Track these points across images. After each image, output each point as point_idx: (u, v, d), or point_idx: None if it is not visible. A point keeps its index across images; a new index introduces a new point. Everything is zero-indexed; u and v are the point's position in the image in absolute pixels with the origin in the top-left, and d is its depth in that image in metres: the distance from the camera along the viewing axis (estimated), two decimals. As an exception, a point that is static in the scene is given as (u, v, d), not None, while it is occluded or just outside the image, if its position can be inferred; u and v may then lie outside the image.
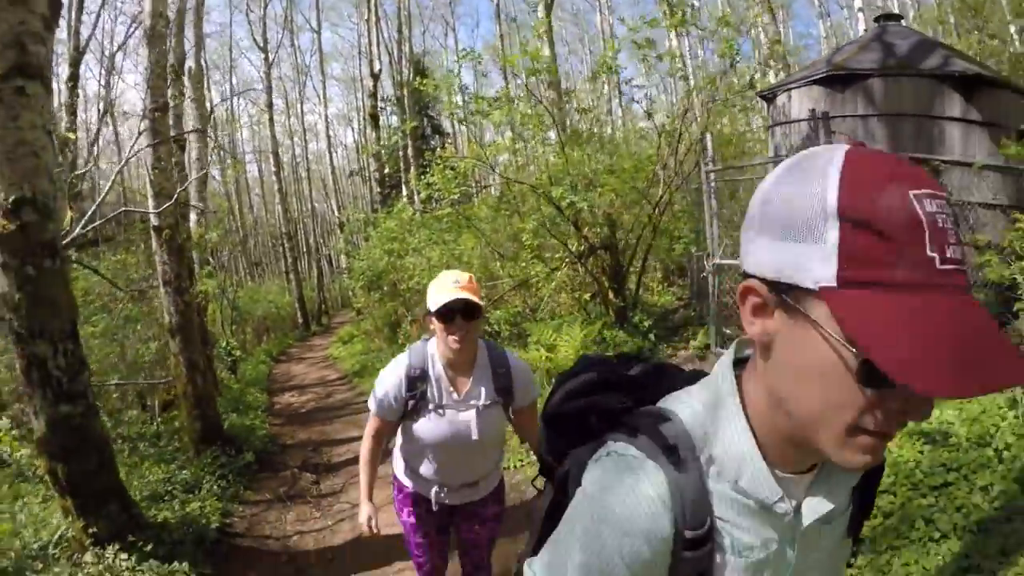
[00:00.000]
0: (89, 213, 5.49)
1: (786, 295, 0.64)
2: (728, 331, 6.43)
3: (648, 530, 0.71)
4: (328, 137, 32.50)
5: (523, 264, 8.39)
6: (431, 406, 2.30)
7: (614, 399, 0.89)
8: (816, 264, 0.60)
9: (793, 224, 0.62)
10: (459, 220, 9.40)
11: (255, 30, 26.86)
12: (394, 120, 27.80)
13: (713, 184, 6.35)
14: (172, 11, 7.70)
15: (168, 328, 6.16)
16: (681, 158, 6.92)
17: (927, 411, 0.62)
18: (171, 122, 6.77)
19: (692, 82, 9.58)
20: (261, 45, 26.16)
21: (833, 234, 0.59)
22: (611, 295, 7.03)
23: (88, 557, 3.83)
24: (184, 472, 5.53)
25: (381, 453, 2.46)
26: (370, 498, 2.42)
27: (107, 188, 5.89)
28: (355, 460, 4.38)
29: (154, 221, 5.88)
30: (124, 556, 3.85)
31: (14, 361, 4.11)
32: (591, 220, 7.00)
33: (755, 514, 0.74)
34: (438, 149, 8.56)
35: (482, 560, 2.67)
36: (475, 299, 2.21)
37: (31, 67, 3.79)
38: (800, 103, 7.34)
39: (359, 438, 2.52)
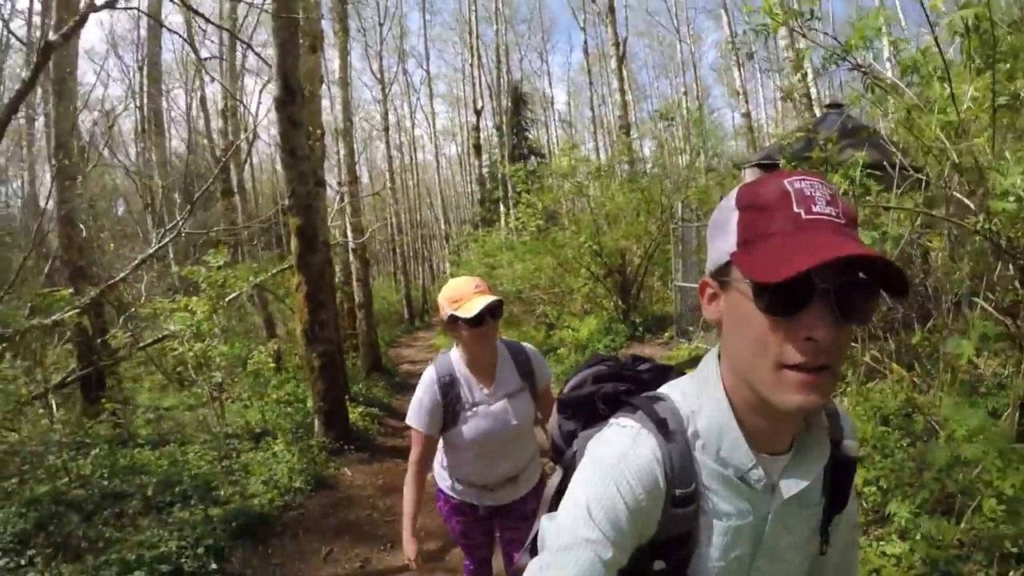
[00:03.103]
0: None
1: (720, 277, 0.84)
2: (690, 328, 10.19)
3: (644, 479, 0.82)
4: (436, 159, 34.69)
5: (575, 278, 12.19)
6: (467, 406, 2.35)
7: (619, 387, 1.04)
8: (728, 243, 0.82)
9: (717, 227, 0.85)
10: (536, 245, 12.98)
11: (372, 63, 29.21)
12: (495, 138, 30.66)
13: (680, 234, 10.19)
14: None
15: (358, 304, 10.78)
16: (665, 217, 10.83)
17: (823, 331, 0.74)
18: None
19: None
20: (378, 77, 28.67)
21: (735, 220, 0.82)
22: (619, 302, 11.00)
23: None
24: (359, 385, 9.91)
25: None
26: (414, 532, 2.35)
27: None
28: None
29: (352, 245, 10.50)
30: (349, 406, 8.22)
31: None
32: (608, 252, 11.02)
33: (732, 485, 0.86)
34: (531, 187, 12.07)
35: None
36: (499, 297, 2.27)
37: (320, 183, 8.32)
38: (750, 179, 10.90)
39: None
